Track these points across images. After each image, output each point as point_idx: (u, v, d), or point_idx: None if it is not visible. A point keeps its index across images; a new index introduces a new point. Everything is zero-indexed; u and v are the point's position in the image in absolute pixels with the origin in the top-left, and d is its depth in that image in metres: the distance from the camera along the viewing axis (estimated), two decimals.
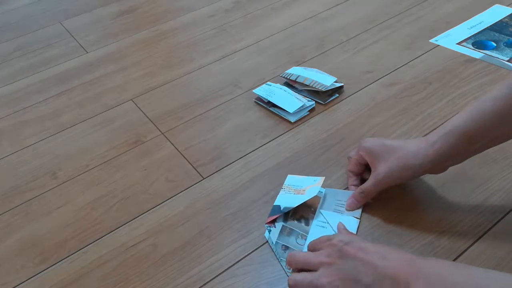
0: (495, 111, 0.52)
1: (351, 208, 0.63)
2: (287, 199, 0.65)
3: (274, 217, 0.63)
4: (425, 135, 0.73)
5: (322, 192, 0.66)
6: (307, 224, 0.62)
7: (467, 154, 0.57)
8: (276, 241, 0.61)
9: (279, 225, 0.63)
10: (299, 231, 0.61)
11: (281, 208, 0.64)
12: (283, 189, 0.67)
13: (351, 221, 0.62)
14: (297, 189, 0.66)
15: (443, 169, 0.59)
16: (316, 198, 0.65)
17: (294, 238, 0.61)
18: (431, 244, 0.58)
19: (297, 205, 0.63)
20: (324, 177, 0.66)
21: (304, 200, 0.63)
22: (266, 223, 0.63)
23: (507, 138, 0.55)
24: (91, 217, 0.69)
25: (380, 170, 0.60)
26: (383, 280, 0.46)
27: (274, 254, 0.60)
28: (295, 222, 0.63)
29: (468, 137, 0.54)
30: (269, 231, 0.62)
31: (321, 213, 0.63)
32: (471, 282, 0.42)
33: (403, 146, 0.59)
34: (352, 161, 0.66)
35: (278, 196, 0.67)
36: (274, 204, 0.65)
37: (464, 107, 0.58)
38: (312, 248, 0.56)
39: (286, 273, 0.57)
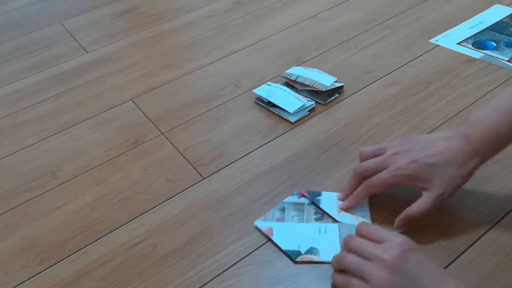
0: None
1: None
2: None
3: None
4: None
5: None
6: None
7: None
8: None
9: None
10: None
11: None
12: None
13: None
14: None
15: None
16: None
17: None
18: (432, 244, 0.58)
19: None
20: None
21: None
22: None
23: None
24: (91, 217, 0.69)
25: (439, 192, 0.56)
26: None
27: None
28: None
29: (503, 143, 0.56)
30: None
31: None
32: None
33: (450, 162, 0.56)
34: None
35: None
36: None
37: (488, 103, 0.58)
38: (372, 234, 0.52)
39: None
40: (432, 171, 0.56)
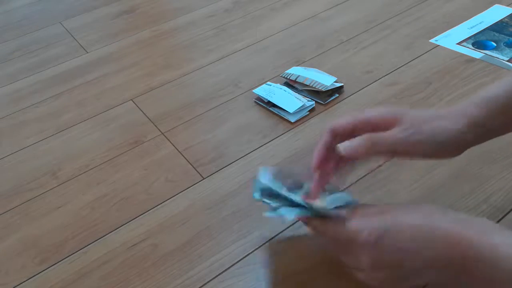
0: None
1: (351, 153, 0.48)
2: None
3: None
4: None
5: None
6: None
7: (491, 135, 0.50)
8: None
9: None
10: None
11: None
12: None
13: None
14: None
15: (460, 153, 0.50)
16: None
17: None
18: None
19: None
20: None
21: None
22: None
23: None
24: (91, 217, 0.69)
25: (415, 130, 0.48)
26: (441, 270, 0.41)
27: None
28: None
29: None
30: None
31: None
32: None
33: (438, 118, 0.49)
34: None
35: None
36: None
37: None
38: (341, 251, 0.48)
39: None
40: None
